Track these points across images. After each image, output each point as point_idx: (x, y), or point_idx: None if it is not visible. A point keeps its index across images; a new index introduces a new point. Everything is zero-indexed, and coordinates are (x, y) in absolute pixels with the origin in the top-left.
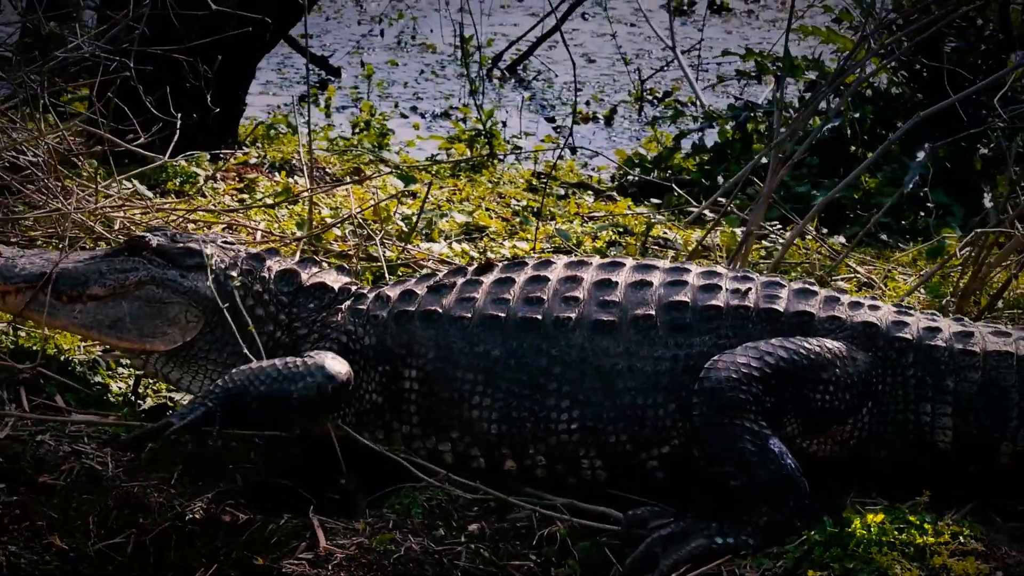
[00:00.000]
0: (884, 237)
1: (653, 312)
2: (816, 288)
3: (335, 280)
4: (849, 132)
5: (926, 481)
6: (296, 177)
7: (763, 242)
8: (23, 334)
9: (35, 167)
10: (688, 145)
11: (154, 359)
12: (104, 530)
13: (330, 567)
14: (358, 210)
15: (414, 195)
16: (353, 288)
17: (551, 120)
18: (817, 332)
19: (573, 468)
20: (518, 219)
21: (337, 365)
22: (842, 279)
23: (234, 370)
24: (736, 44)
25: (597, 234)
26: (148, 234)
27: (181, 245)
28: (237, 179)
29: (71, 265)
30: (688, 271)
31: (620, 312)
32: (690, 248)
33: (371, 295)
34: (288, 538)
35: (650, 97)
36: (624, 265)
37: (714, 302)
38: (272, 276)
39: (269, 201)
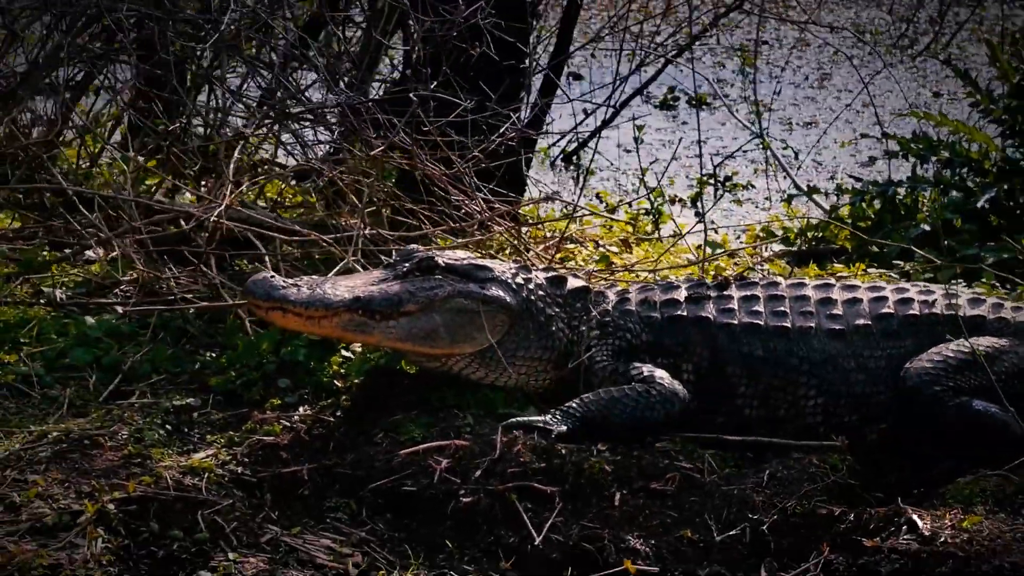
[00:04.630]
0: None
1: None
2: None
3: (581, 282)
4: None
5: None
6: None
7: None
8: None
9: None
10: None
11: (455, 361)
12: (720, 524)
13: (938, 544)
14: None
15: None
16: (593, 288)
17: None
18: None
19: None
20: None
21: (679, 386)
22: None
23: (590, 396)
24: (734, 135)
25: None
26: (434, 255)
27: (468, 262)
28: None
29: (375, 288)
30: (884, 287)
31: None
32: None
33: (632, 297)
34: (885, 524)
35: (713, 181)
36: (834, 285)
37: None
38: (545, 281)
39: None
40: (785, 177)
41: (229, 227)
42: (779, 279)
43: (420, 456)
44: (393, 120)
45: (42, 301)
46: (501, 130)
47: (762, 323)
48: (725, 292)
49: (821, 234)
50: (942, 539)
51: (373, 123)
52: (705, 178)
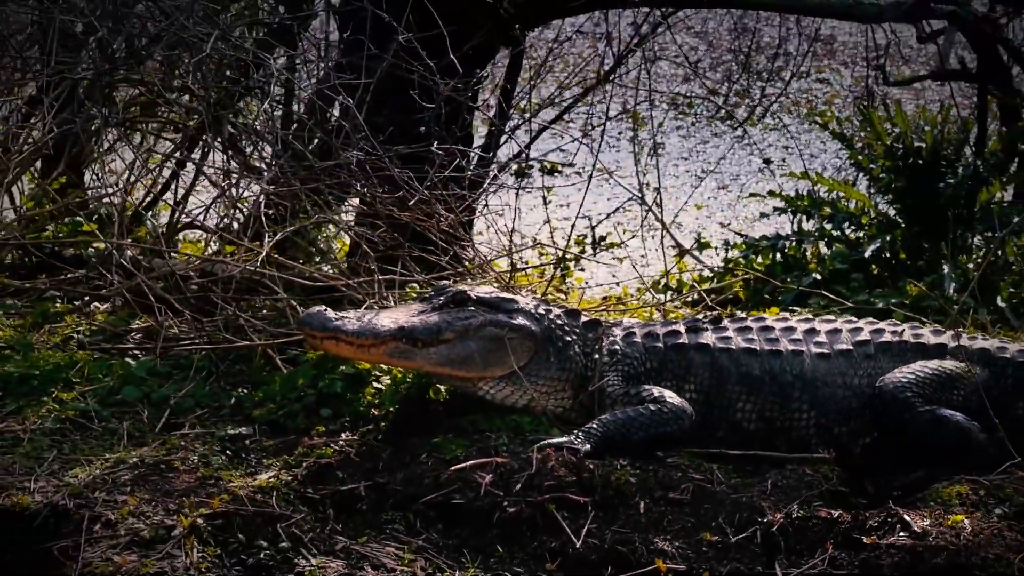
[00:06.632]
0: None
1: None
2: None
3: (593, 316)
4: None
5: None
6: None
7: None
8: None
9: None
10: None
11: (485, 383)
12: (734, 528)
13: (930, 540)
14: None
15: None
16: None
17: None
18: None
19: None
20: None
21: (686, 403)
22: None
23: (608, 417)
24: (594, 200)
25: None
26: (466, 289)
27: (496, 295)
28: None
29: (416, 319)
30: (857, 321)
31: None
32: None
33: (637, 331)
34: (880, 524)
35: (589, 240)
36: (814, 320)
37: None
38: (563, 312)
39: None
40: (654, 236)
41: (252, 274)
42: (765, 315)
43: (466, 472)
44: (411, 176)
45: (74, 347)
46: (486, 183)
47: (758, 347)
48: (720, 325)
49: (719, 284)
50: (933, 535)
51: (387, 178)
52: (582, 238)
